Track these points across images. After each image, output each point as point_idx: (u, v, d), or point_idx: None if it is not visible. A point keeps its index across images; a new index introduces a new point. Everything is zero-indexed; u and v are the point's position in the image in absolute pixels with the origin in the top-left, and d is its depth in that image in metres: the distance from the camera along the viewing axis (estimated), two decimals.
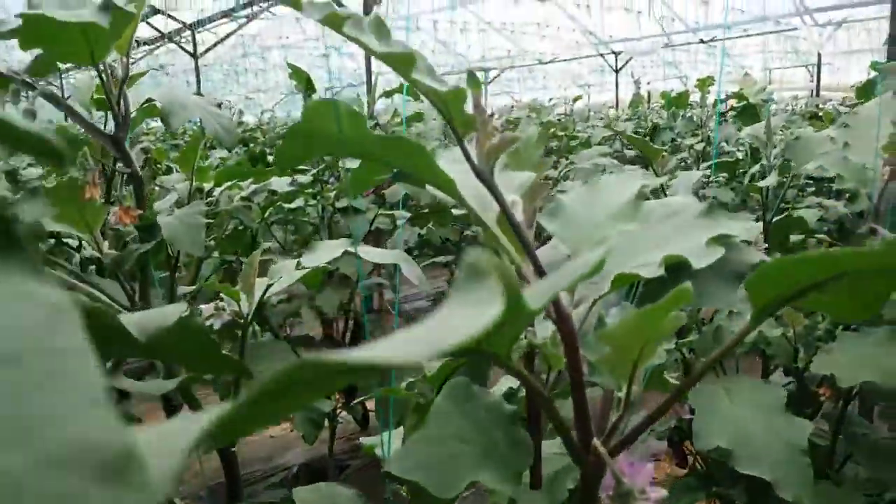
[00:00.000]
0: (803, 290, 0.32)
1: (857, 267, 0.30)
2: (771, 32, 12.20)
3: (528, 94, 23.02)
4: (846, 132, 1.12)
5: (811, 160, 1.29)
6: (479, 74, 15.89)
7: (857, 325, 1.03)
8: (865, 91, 2.67)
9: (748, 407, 0.94)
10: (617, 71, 12.95)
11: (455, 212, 1.02)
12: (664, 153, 1.14)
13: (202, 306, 0.66)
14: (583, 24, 11.30)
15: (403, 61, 0.32)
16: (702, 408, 0.93)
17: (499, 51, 13.33)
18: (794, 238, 1.60)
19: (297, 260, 0.63)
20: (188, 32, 8.29)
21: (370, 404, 2.24)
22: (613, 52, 12.73)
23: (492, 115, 0.40)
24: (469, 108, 0.34)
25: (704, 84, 4.47)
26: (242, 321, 0.64)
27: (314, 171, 2.00)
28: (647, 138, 4.83)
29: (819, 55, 12.83)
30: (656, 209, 0.57)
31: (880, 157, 0.96)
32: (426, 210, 2.13)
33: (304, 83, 2.19)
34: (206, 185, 1.61)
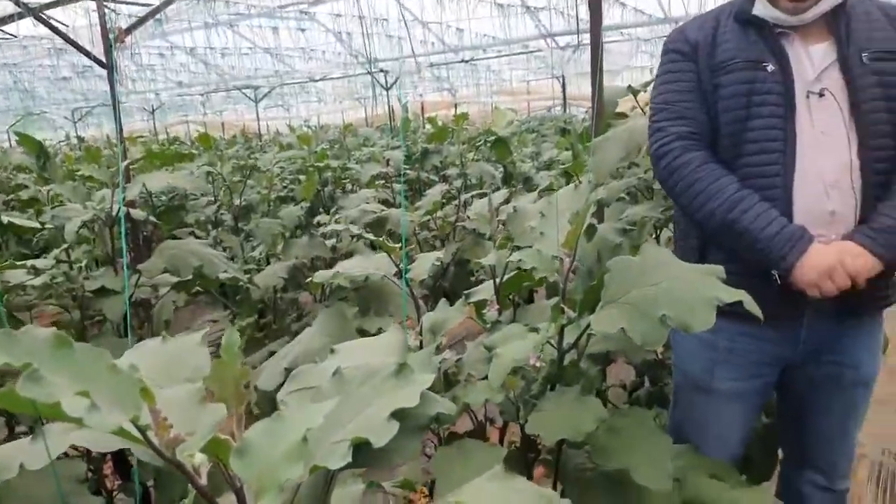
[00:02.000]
0: None
1: None
2: (520, 53, 13.46)
3: (303, 107, 22.88)
4: (542, 222, 1.35)
5: (525, 228, 1.52)
6: (249, 92, 15.40)
7: (561, 384, 1.26)
8: (583, 137, 3.12)
9: (473, 468, 1.11)
10: (387, 89, 13.41)
11: None
12: (399, 247, 1.28)
13: None
14: (351, 46, 11.55)
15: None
16: (440, 471, 1.09)
17: (266, 70, 13.13)
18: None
19: None
20: None
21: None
22: (382, 71, 13.16)
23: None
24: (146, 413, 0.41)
25: (460, 120, 4.85)
26: None
27: (56, 251, 1.87)
28: (418, 164, 5.09)
29: (563, 74, 14.41)
30: (359, 371, 0.68)
31: (562, 251, 1.19)
32: None
33: (37, 151, 2.02)
34: None
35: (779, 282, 1.31)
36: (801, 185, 1.31)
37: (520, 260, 1.25)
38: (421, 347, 1.45)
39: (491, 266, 1.48)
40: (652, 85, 1.51)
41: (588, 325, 1.17)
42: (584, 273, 1.60)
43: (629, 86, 2.57)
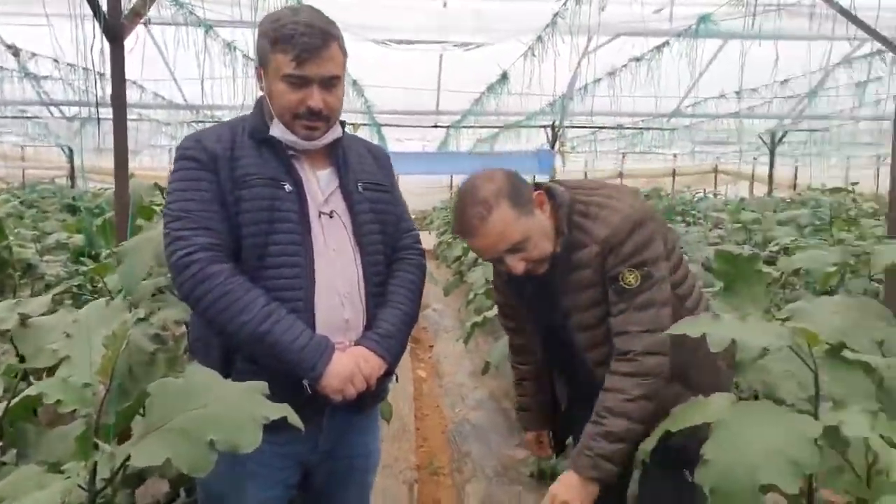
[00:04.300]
0: None
1: None
2: (15, 118, 11.76)
3: None
4: (68, 343, 1.19)
5: (43, 351, 1.31)
6: None
7: None
8: (105, 231, 2.88)
9: None
10: None
11: None
12: None
13: None
14: None
15: None
16: None
17: None
18: None
19: None
20: None
21: None
22: None
23: None
24: None
25: None
26: None
27: None
28: None
29: (69, 146, 13.09)
30: None
31: (95, 378, 1.06)
32: None
33: None
34: None
35: (309, 391, 1.40)
36: (321, 296, 1.45)
37: (41, 393, 1.07)
38: None
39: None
40: (167, 190, 1.48)
41: (127, 458, 1.06)
42: (115, 390, 1.45)
43: (155, 183, 2.52)
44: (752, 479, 0.91)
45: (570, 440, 1.96)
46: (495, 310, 3.56)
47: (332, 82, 1.44)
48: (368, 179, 1.58)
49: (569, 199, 1.58)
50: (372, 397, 1.56)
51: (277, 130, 1.46)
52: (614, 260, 1.50)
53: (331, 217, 1.49)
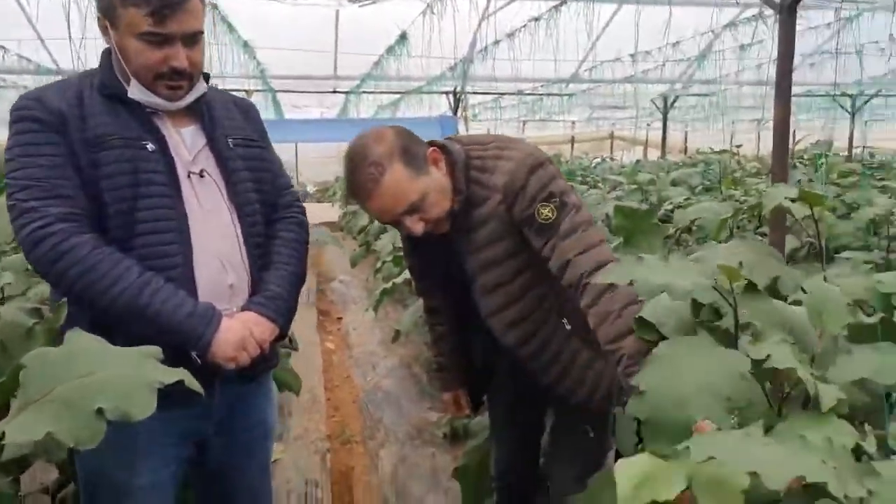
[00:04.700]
0: None
1: None
2: None
3: None
4: None
5: None
6: None
7: None
8: None
9: None
10: None
11: None
12: None
13: None
14: None
15: None
16: None
17: None
18: None
19: None
20: None
21: None
22: None
23: None
24: None
25: None
26: None
27: None
28: None
29: None
30: None
31: None
32: None
33: None
34: None
35: (199, 361, 1.31)
36: (201, 262, 1.35)
37: None
38: None
39: None
40: (5, 157, 1.30)
41: (1, 437, 0.94)
42: None
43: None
44: (684, 413, 0.90)
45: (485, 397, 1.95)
46: (403, 276, 3.53)
47: (195, 38, 1.32)
48: (238, 135, 1.47)
49: (464, 156, 1.53)
50: (265, 363, 1.48)
51: (137, 92, 1.33)
52: (521, 204, 1.45)
53: (201, 177, 1.38)
